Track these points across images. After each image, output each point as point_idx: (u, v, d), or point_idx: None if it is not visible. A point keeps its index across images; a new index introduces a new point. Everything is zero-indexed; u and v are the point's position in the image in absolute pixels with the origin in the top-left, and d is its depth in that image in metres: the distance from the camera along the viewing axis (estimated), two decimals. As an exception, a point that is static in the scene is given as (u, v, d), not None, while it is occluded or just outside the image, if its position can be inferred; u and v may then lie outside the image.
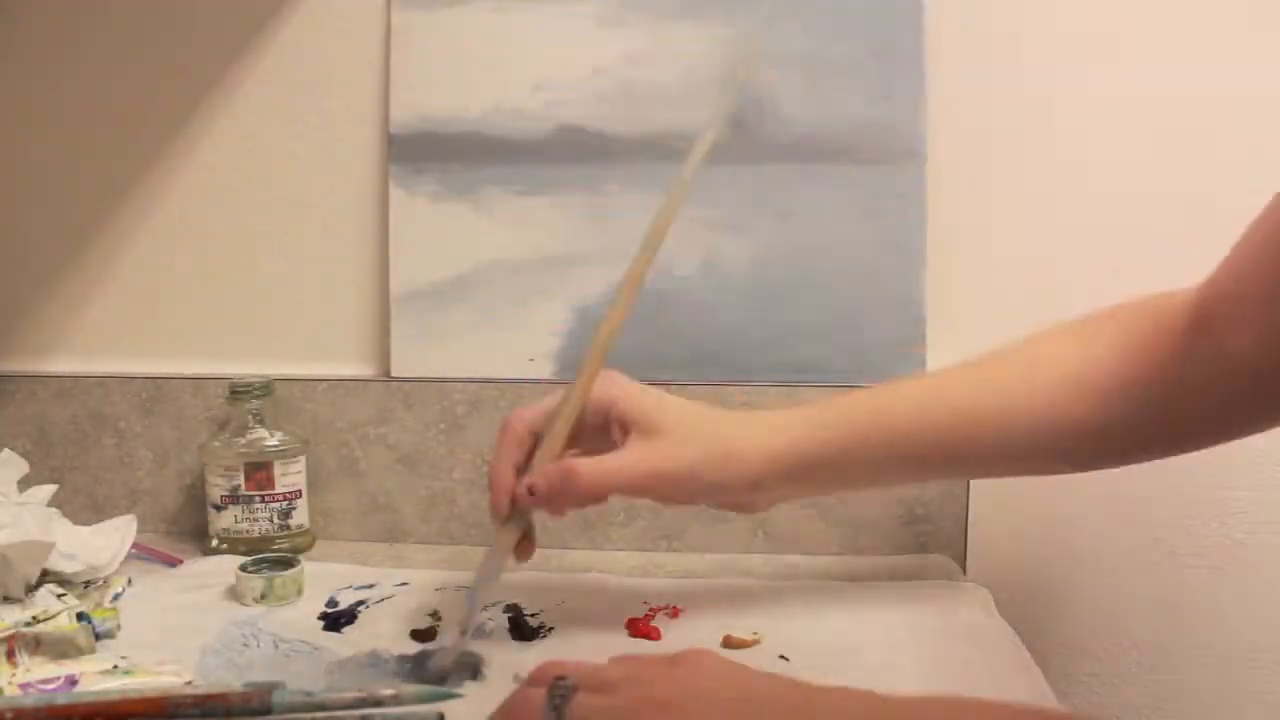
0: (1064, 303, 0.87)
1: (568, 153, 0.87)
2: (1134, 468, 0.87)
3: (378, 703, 0.53)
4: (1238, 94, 0.84)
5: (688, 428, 0.63)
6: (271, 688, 0.54)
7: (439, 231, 0.88)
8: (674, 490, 0.63)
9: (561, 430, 0.62)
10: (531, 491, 0.61)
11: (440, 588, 0.76)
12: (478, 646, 0.66)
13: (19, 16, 0.92)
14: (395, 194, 0.89)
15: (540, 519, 0.88)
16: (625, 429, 0.63)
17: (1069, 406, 0.63)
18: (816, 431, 0.64)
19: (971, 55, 0.85)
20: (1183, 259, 0.85)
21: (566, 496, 0.62)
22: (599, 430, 0.64)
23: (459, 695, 0.56)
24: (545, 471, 0.62)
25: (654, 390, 0.65)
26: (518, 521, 0.63)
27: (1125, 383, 0.62)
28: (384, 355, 0.90)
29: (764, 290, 0.86)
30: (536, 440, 0.63)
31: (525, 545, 0.65)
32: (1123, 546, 0.89)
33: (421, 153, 0.88)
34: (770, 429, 0.64)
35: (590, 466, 0.61)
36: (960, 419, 0.64)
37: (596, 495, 0.62)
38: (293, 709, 0.53)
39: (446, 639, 0.66)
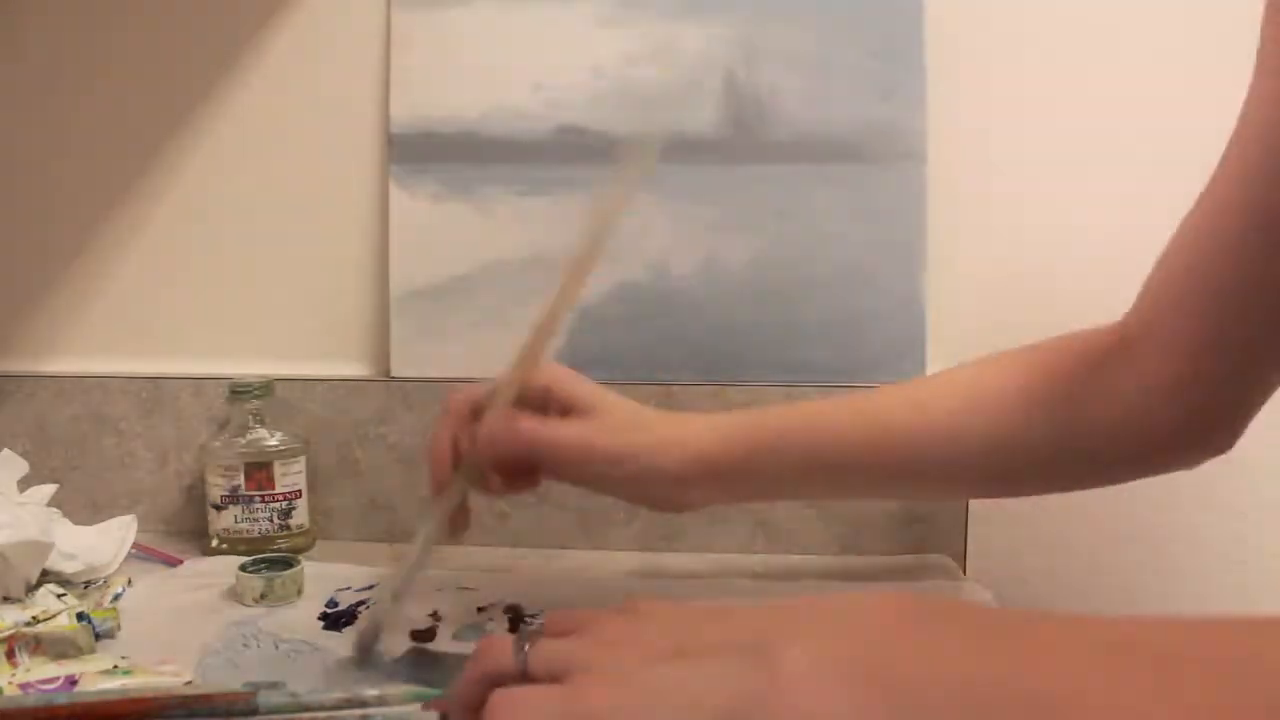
0: (1063, 303, 0.87)
1: (567, 153, 0.87)
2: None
3: (363, 703, 0.54)
4: (1238, 95, 0.84)
5: (625, 415, 0.65)
6: (259, 688, 0.54)
7: (439, 232, 0.88)
8: (606, 468, 0.64)
9: (507, 397, 0.63)
10: (473, 438, 0.62)
11: (440, 588, 0.76)
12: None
13: (19, 16, 0.92)
14: (396, 194, 0.89)
15: (539, 520, 0.88)
16: (564, 409, 0.64)
17: (988, 427, 0.63)
18: (746, 433, 0.65)
19: (972, 55, 0.85)
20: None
21: (507, 445, 0.62)
22: (538, 410, 0.65)
23: (444, 694, 0.56)
24: (488, 421, 0.62)
25: (591, 381, 0.66)
26: (455, 492, 0.63)
27: (1046, 407, 0.62)
28: (384, 355, 0.90)
29: (764, 291, 0.86)
30: (477, 417, 0.64)
31: (460, 519, 0.65)
32: (1122, 547, 0.89)
33: (422, 153, 0.88)
34: (703, 427, 0.65)
35: (532, 423, 0.62)
36: (877, 433, 0.65)
37: (531, 450, 0.62)
38: (278, 710, 0.53)
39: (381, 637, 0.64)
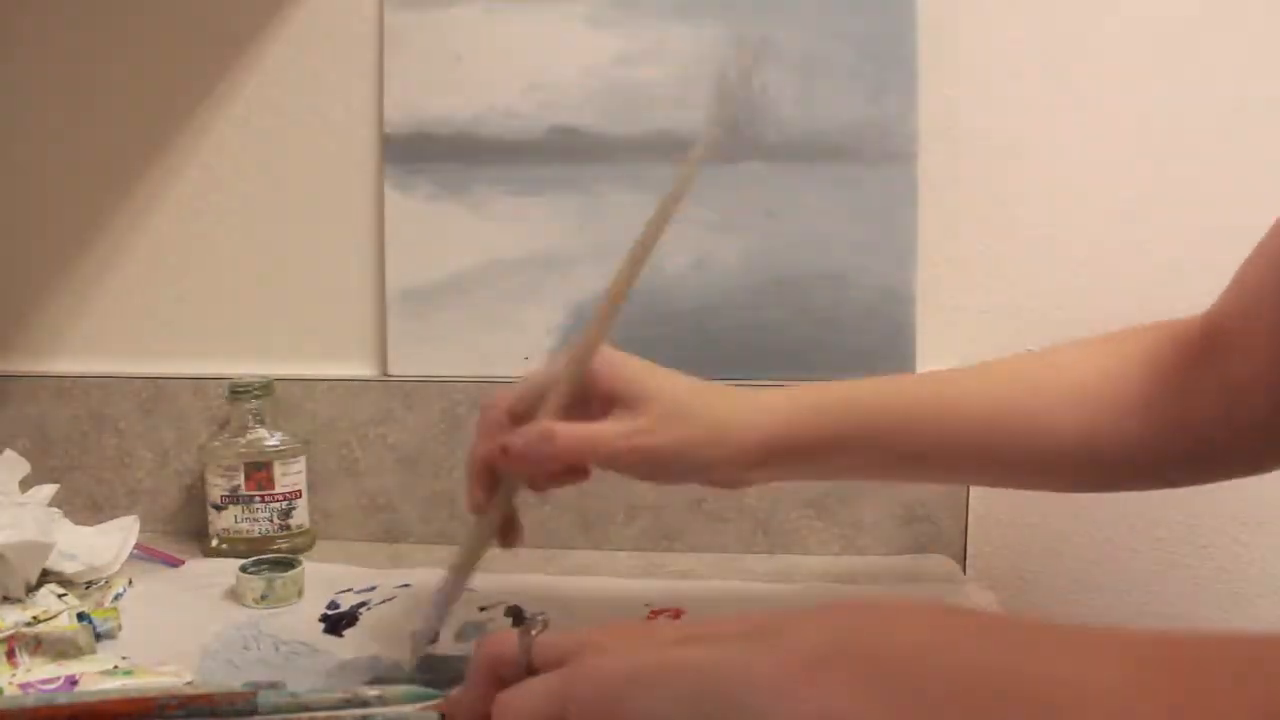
0: (1055, 304, 0.87)
1: (560, 153, 0.87)
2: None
3: (363, 703, 0.54)
4: (1230, 100, 0.84)
5: (675, 404, 0.59)
6: (260, 688, 0.54)
7: (434, 231, 0.88)
8: (657, 469, 0.59)
9: (553, 406, 0.58)
10: (506, 451, 0.57)
11: (442, 588, 0.75)
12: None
13: (18, 17, 0.92)
14: (390, 195, 0.89)
15: (539, 520, 0.88)
16: (609, 401, 0.59)
17: (1085, 420, 0.60)
18: (811, 417, 0.61)
19: (963, 55, 0.85)
20: (1175, 262, 0.86)
21: (543, 459, 0.57)
22: (580, 403, 0.59)
23: (444, 695, 0.56)
24: (522, 431, 0.57)
25: (639, 360, 0.61)
26: (500, 504, 0.59)
27: (1146, 402, 0.59)
28: (381, 355, 0.90)
29: (755, 289, 0.86)
30: (518, 423, 0.59)
31: (510, 531, 0.61)
32: (1123, 547, 0.89)
33: (416, 153, 0.88)
34: (763, 410, 0.61)
35: (569, 429, 0.57)
36: (964, 422, 0.61)
37: (574, 460, 0.59)
38: (278, 709, 0.53)
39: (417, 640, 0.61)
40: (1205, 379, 0.59)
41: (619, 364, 0.60)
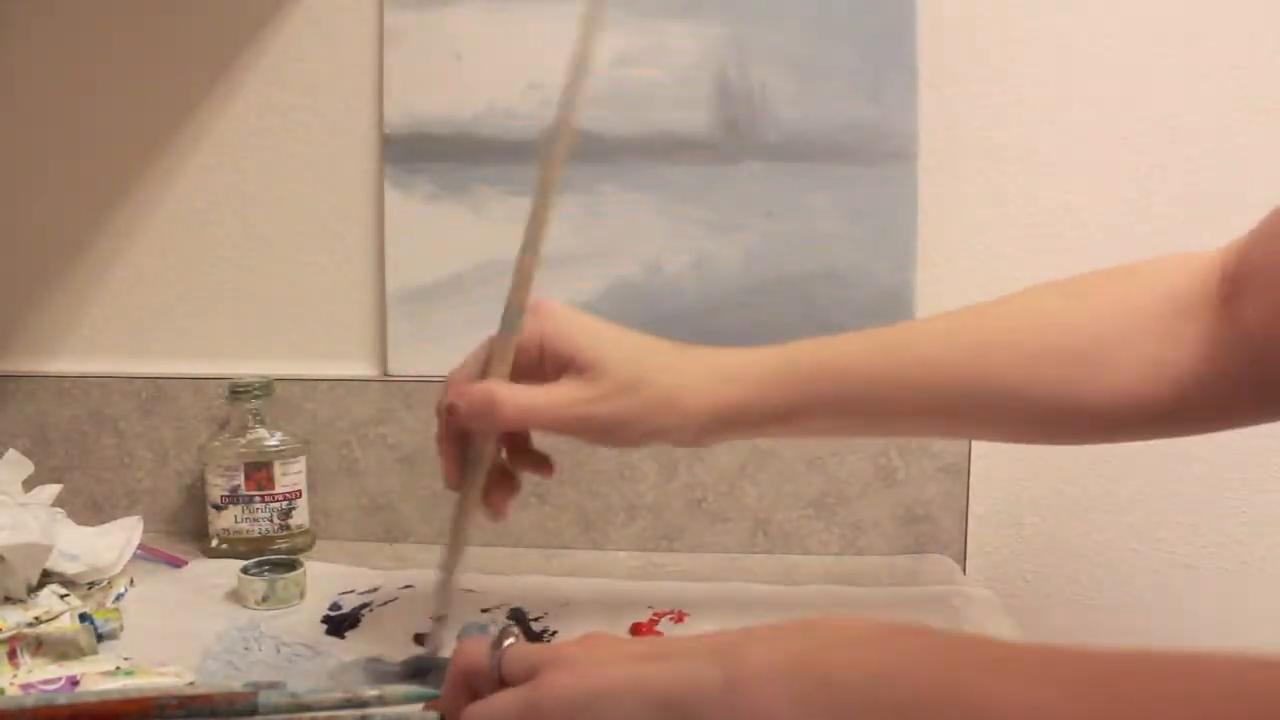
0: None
1: (562, 152, 0.87)
2: (1135, 467, 0.88)
3: (363, 703, 0.54)
4: (1229, 100, 0.84)
5: (628, 372, 0.58)
6: (260, 688, 0.54)
7: (434, 231, 0.88)
8: (605, 436, 0.58)
9: (501, 371, 0.58)
10: (450, 411, 0.57)
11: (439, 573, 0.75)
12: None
13: (19, 18, 0.92)
14: (390, 194, 0.89)
15: (539, 520, 0.88)
16: (559, 365, 0.58)
17: (1071, 379, 0.57)
18: (771, 388, 0.59)
19: (963, 56, 0.85)
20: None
21: (486, 422, 0.56)
22: (534, 366, 0.59)
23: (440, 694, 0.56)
24: (465, 392, 0.56)
25: (590, 320, 0.60)
26: (471, 474, 0.59)
27: (1153, 360, 0.56)
28: (381, 355, 0.90)
29: (755, 290, 0.86)
30: None
31: (494, 502, 0.60)
32: (1123, 547, 0.89)
33: (416, 153, 0.88)
34: (718, 377, 0.59)
35: (514, 395, 0.56)
36: (932, 387, 0.59)
37: (518, 427, 0.58)
38: (278, 709, 0.53)
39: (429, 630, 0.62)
40: (1217, 325, 0.55)
41: (573, 325, 0.59)
